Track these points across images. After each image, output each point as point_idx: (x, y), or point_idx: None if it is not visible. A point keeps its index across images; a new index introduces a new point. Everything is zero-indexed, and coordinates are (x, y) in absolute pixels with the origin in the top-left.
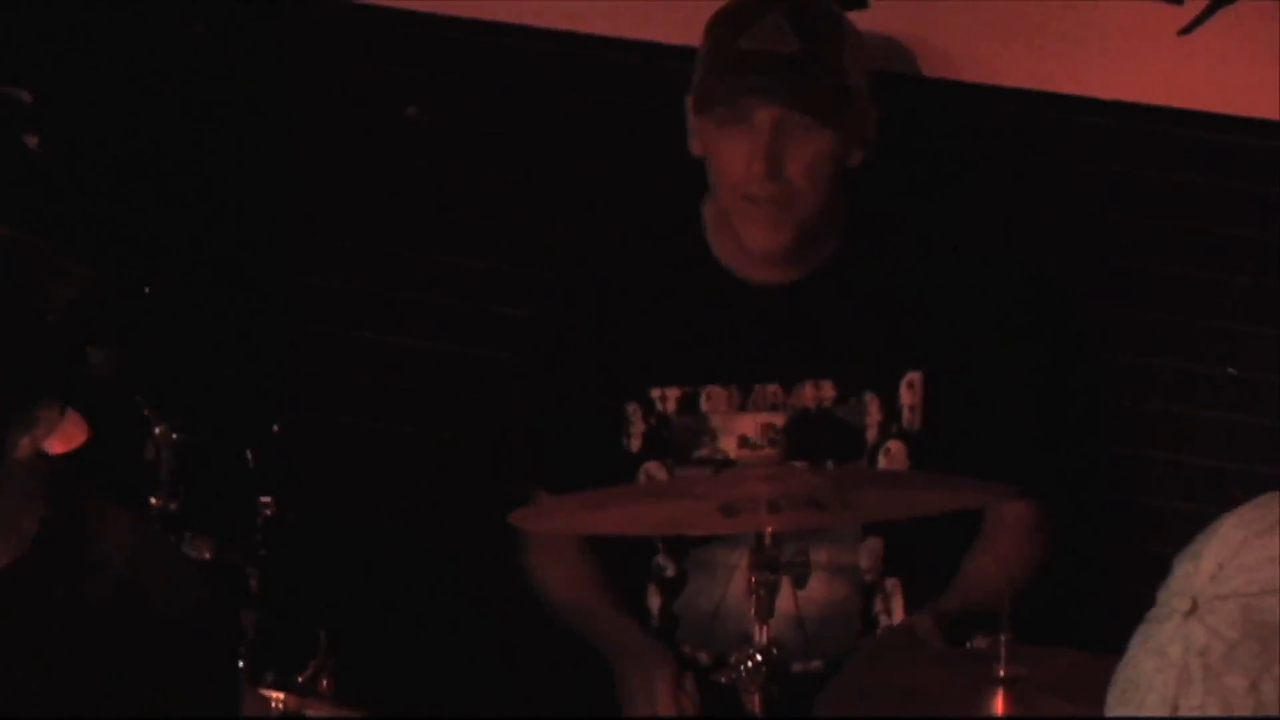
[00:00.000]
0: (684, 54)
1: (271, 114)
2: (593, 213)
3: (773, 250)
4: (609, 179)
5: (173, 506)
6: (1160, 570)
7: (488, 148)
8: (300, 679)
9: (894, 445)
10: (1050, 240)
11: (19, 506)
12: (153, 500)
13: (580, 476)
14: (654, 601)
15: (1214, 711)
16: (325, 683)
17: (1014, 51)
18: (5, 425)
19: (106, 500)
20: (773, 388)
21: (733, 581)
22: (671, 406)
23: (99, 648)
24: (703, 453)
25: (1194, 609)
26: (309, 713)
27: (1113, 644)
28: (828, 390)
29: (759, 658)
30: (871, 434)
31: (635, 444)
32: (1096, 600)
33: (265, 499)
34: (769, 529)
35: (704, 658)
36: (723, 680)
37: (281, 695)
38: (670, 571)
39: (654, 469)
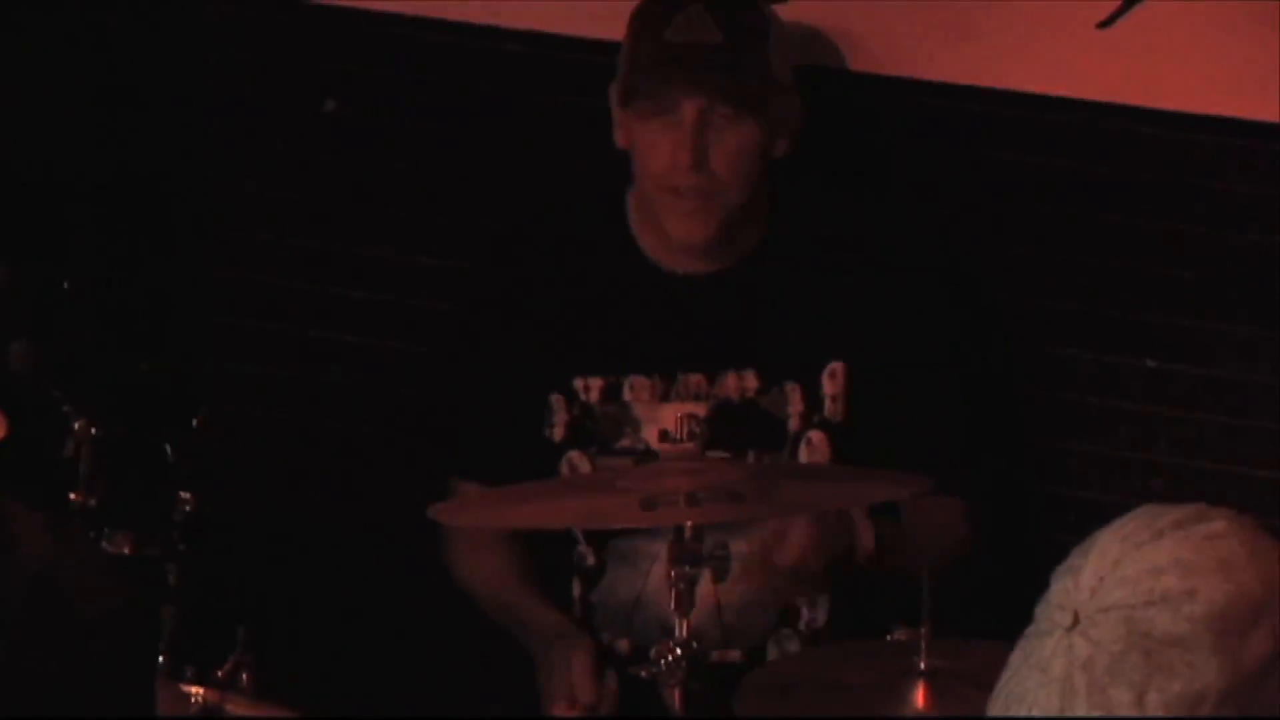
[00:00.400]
0: (608, 48)
1: (190, 108)
2: (516, 204)
3: (697, 241)
4: (531, 170)
5: (92, 502)
6: None
7: (407, 140)
8: (219, 674)
9: (815, 435)
10: (971, 232)
11: None
12: (72, 496)
13: (502, 467)
14: (576, 591)
15: None
16: (244, 678)
17: (935, 45)
18: None
19: (23, 497)
20: (696, 378)
21: (653, 572)
22: (595, 396)
23: (13, 647)
24: (625, 443)
25: (1075, 622)
26: (228, 708)
27: None
28: (751, 380)
29: (679, 652)
30: (793, 424)
31: (558, 434)
32: (1015, 592)
33: (184, 494)
34: (688, 522)
35: (623, 646)
36: (643, 675)
37: (201, 690)
38: (590, 560)
39: (577, 459)
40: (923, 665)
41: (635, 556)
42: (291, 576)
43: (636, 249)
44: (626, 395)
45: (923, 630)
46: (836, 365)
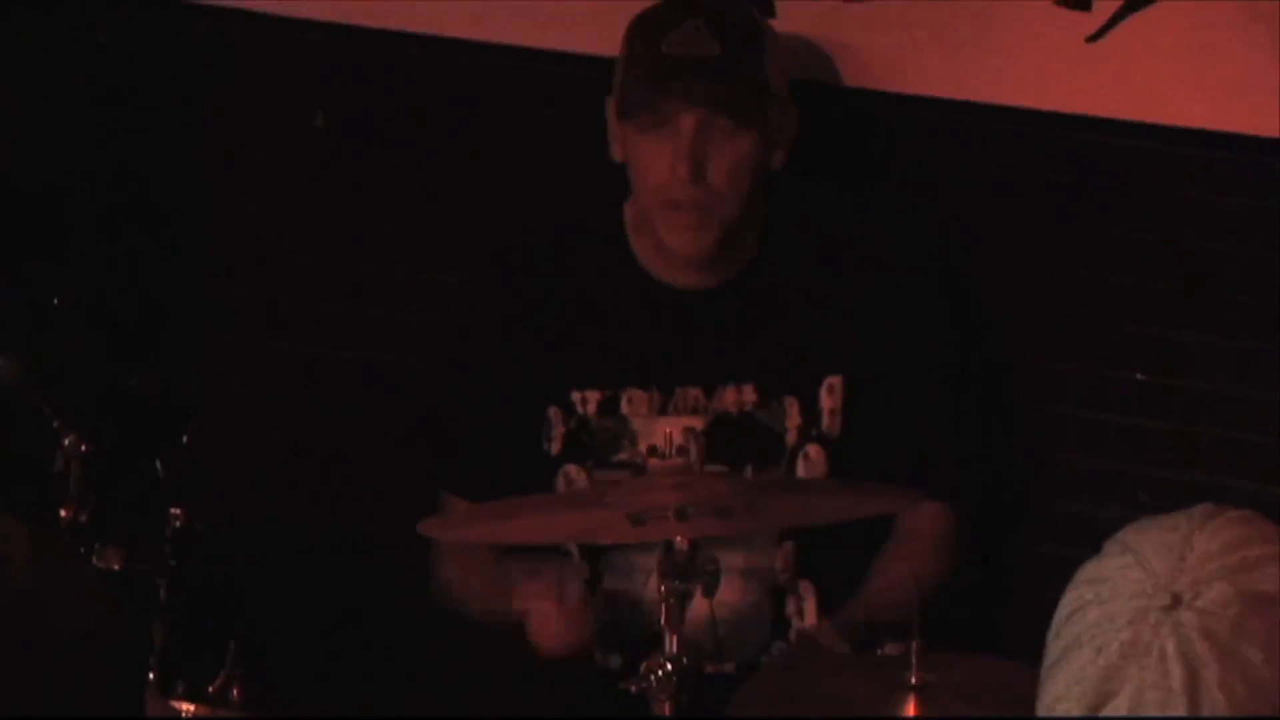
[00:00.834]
0: (601, 63)
1: (179, 123)
2: (510, 217)
3: (696, 255)
4: (526, 184)
5: (82, 518)
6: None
7: (399, 155)
8: (210, 689)
9: (813, 449)
10: (964, 245)
11: None
12: (62, 512)
13: (496, 481)
14: None
15: (1239, 688)
16: (235, 693)
17: (927, 60)
18: None
19: (10, 512)
20: (694, 391)
21: (648, 585)
22: (592, 409)
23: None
24: (622, 456)
25: (1174, 601)
26: None
27: (1023, 648)
28: (749, 394)
29: (669, 666)
30: (791, 438)
31: (555, 447)
32: (1007, 604)
33: (175, 509)
34: (678, 537)
35: (615, 662)
36: (632, 690)
37: (192, 706)
38: (585, 574)
39: (574, 472)
40: (914, 679)
41: (630, 570)
42: (282, 591)
43: (634, 262)
44: (624, 408)
45: (914, 644)
46: (834, 379)
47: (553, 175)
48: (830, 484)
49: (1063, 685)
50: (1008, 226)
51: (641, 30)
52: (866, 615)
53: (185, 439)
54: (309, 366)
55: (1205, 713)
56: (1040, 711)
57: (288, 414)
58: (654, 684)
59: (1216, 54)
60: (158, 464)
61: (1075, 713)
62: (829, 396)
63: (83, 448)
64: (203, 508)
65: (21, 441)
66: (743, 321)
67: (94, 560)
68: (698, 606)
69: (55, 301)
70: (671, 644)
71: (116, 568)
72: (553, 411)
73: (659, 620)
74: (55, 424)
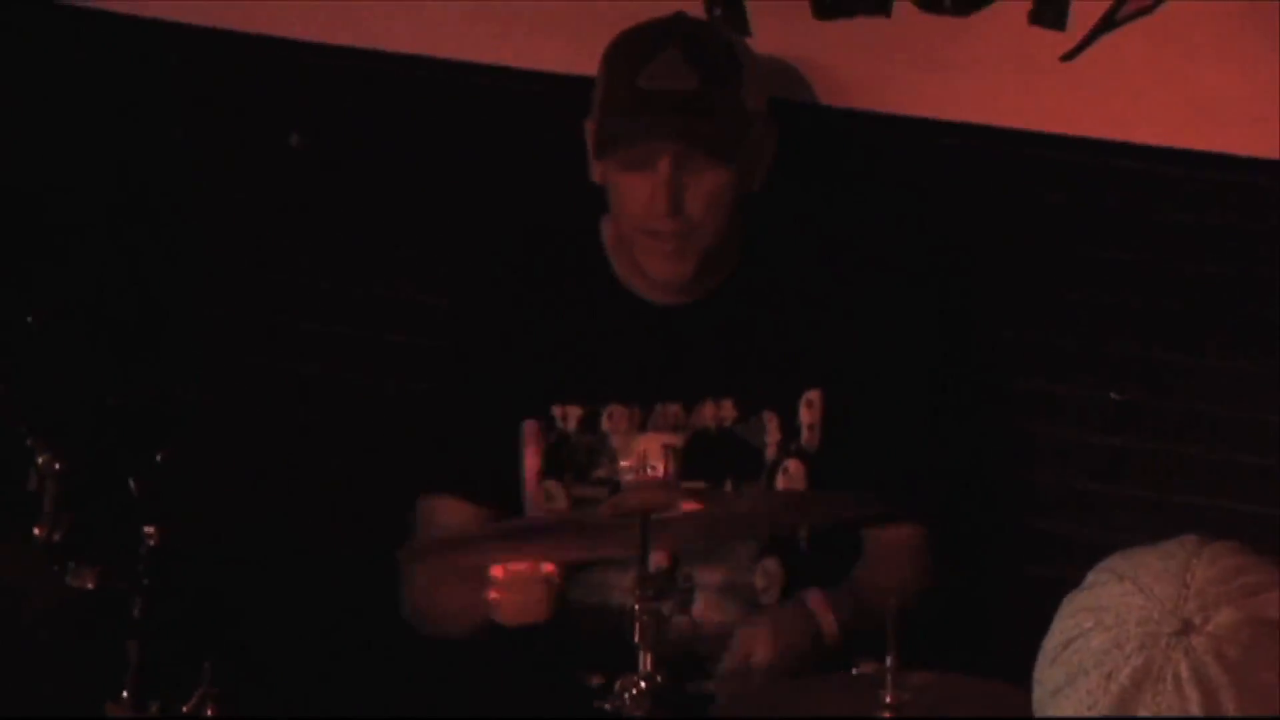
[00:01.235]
0: (580, 83)
1: (156, 143)
2: (489, 234)
3: (675, 280)
4: (505, 200)
5: (56, 536)
6: (1048, 593)
7: (380, 174)
8: (185, 709)
9: (792, 464)
10: (941, 262)
11: None
12: (36, 530)
13: (476, 491)
14: None
15: (1255, 710)
16: (210, 712)
17: (905, 79)
18: None
19: None
20: (673, 407)
21: (623, 604)
22: (573, 425)
23: None
24: (601, 473)
25: (1184, 627)
26: None
27: (998, 668)
28: (728, 410)
29: (643, 685)
30: (770, 452)
31: (534, 463)
32: (982, 623)
33: (149, 528)
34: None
35: (595, 681)
36: (607, 707)
37: None
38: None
39: (553, 488)
40: (888, 699)
41: (606, 589)
42: (257, 609)
43: (613, 278)
44: (605, 425)
45: (888, 664)
46: (813, 394)
47: (531, 193)
48: (783, 494)
49: (1071, 711)
50: (986, 244)
51: (618, 59)
52: (854, 599)
53: (159, 458)
54: (283, 386)
55: None
56: None
57: (262, 432)
58: (628, 702)
59: (1191, 73)
60: (131, 483)
61: None
62: (808, 411)
63: (56, 466)
64: (176, 527)
65: None
66: (721, 337)
67: (68, 579)
68: (679, 626)
69: (29, 319)
70: (645, 662)
71: (90, 586)
72: (532, 426)
73: (632, 639)
74: (29, 442)
